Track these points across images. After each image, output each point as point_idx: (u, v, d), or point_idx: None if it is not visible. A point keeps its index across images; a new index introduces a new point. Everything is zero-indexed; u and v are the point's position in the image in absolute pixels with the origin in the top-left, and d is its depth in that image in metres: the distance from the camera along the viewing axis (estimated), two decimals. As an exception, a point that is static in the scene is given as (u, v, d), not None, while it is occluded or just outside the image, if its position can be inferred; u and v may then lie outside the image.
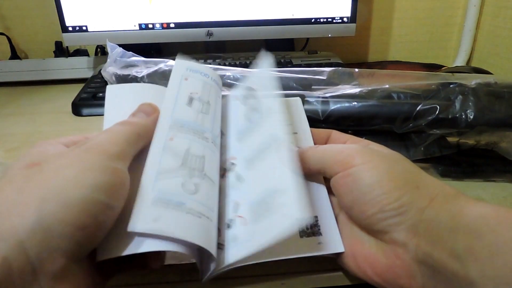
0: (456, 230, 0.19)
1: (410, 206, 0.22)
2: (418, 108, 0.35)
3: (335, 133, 0.31)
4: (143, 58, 0.41)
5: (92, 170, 0.20)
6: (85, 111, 0.56)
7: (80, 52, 0.76)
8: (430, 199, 0.22)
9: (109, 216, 0.20)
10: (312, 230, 0.26)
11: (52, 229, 0.17)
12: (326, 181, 0.28)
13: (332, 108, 0.36)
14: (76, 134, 0.25)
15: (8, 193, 0.18)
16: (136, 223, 0.21)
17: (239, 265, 0.24)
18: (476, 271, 0.18)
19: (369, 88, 0.37)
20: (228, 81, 0.39)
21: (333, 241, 0.25)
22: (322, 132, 0.31)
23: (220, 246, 0.25)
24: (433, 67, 0.78)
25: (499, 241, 0.18)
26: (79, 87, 0.61)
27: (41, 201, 0.17)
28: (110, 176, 0.20)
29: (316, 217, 0.26)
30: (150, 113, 0.26)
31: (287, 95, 0.36)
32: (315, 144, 0.31)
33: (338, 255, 0.25)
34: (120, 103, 0.29)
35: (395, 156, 0.25)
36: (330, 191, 0.28)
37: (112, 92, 0.30)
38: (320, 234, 0.26)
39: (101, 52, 0.76)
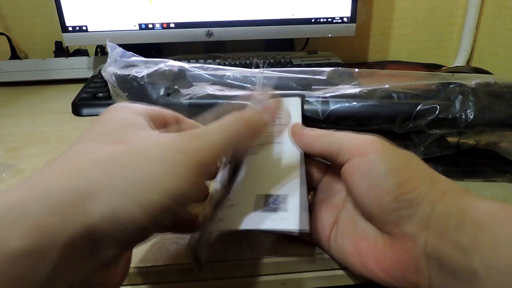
0: (462, 223, 0.20)
1: (423, 198, 0.22)
2: (418, 108, 0.35)
3: None
4: (143, 58, 0.41)
5: (178, 177, 0.19)
6: (85, 111, 0.56)
7: (80, 52, 0.76)
8: (443, 193, 0.22)
9: (170, 220, 0.20)
10: (277, 206, 0.25)
11: (119, 223, 0.17)
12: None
13: (332, 108, 0.36)
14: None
15: (93, 172, 0.17)
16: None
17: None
18: (479, 263, 0.18)
19: (369, 88, 0.37)
20: (228, 81, 0.39)
21: (298, 219, 0.23)
22: None
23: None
24: (433, 67, 0.78)
25: (503, 233, 0.18)
26: (79, 87, 0.61)
27: (118, 192, 0.17)
28: (192, 189, 0.19)
29: (286, 195, 0.25)
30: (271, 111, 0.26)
31: (287, 95, 0.36)
32: None
33: (339, 253, 0.25)
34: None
35: (408, 151, 0.26)
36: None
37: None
38: (285, 210, 0.24)
39: (101, 52, 0.76)
